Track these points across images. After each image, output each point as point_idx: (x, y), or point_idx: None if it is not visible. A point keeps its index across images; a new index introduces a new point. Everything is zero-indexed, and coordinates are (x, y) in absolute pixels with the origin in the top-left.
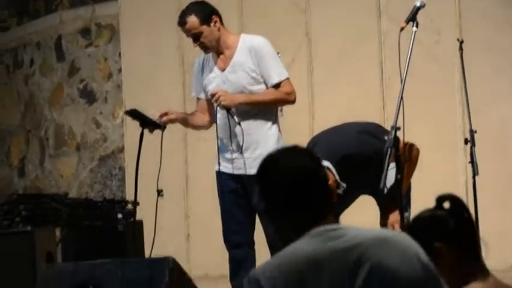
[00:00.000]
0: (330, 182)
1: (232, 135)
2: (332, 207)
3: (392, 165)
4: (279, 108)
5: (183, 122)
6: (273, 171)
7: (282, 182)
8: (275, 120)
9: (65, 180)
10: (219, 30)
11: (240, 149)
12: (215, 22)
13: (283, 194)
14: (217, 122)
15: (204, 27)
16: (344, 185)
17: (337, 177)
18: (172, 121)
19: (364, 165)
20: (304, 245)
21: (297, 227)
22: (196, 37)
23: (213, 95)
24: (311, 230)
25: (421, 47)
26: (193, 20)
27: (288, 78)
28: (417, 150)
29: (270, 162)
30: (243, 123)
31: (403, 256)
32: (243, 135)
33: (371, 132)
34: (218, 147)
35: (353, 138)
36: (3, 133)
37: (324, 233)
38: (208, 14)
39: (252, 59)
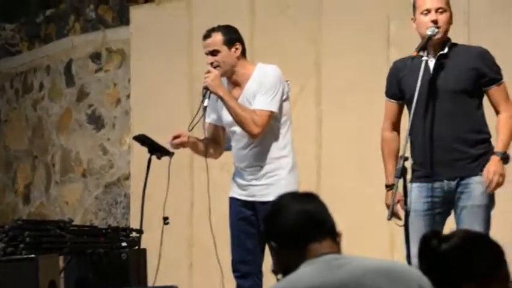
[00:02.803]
0: None
1: (247, 162)
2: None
3: None
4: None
5: (194, 147)
6: (279, 210)
7: (286, 221)
8: (290, 150)
9: (70, 207)
10: (237, 58)
11: (254, 176)
12: (236, 49)
13: (287, 232)
14: (233, 149)
15: (224, 48)
16: None
17: None
18: (183, 145)
19: None
20: (309, 273)
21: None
22: (213, 54)
23: (208, 71)
24: (316, 258)
25: None
26: (218, 37)
27: (268, 112)
28: None
29: (280, 201)
30: (257, 151)
31: (406, 286)
32: (259, 161)
33: None
34: (233, 173)
35: None
36: (10, 158)
37: (329, 261)
38: (234, 39)
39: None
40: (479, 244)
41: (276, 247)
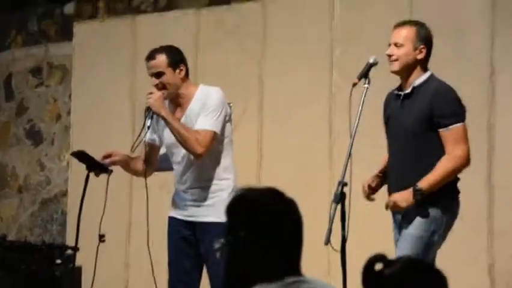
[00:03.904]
0: None
1: (188, 184)
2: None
3: None
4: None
5: (125, 165)
6: (258, 202)
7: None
8: (231, 171)
9: (4, 223)
10: (182, 80)
11: (194, 197)
12: (180, 70)
13: (264, 225)
14: (174, 170)
15: (169, 70)
16: None
17: None
18: (114, 163)
19: None
20: None
21: (266, 265)
22: (158, 76)
23: (150, 93)
24: (283, 279)
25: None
26: (162, 58)
27: (211, 133)
28: None
29: (254, 194)
30: (198, 172)
31: None
32: (200, 183)
33: None
34: (173, 193)
35: None
36: None
37: (291, 286)
38: (178, 61)
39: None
40: (426, 272)
41: (247, 241)
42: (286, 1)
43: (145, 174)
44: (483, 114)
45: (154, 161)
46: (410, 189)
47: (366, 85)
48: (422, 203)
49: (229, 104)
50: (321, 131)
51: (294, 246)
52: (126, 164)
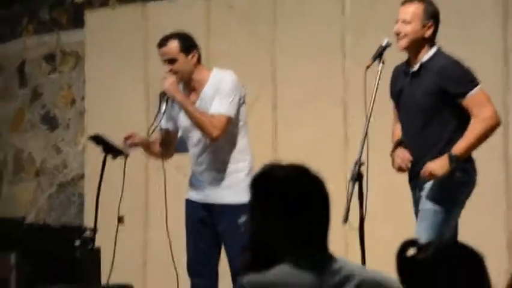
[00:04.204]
0: None
1: (204, 166)
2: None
3: None
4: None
5: (146, 147)
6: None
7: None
8: (248, 154)
9: (23, 207)
10: (194, 65)
11: (211, 179)
12: (193, 56)
13: (289, 197)
14: (190, 153)
15: (181, 55)
16: None
17: None
18: (136, 145)
19: None
20: (300, 275)
21: (293, 235)
22: (170, 62)
23: (165, 78)
24: (307, 256)
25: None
26: (174, 45)
27: (227, 117)
28: None
29: (279, 169)
30: (215, 155)
31: None
32: (217, 165)
33: None
34: (190, 176)
35: None
36: None
37: (320, 264)
38: (191, 46)
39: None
40: (460, 254)
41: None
42: None
43: (162, 157)
44: (497, 92)
45: (171, 146)
46: (445, 156)
47: (380, 66)
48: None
49: (242, 86)
50: (336, 115)
51: (321, 224)
52: (146, 147)
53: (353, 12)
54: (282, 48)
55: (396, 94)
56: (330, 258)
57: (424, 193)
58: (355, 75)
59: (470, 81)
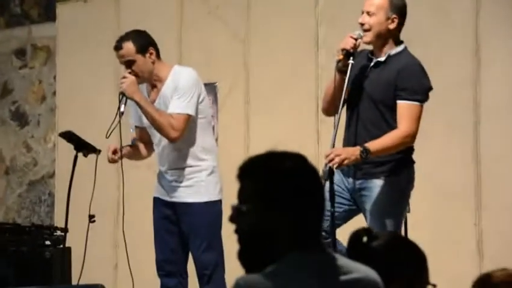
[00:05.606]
0: None
1: (167, 165)
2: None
3: None
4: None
5: (131, 154)
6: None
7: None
8: (210, 152)
9: None
10: (153, 62)
11: (174, 178)
12: (150, 54)
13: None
14: (155, 150)
15: (139, 57)
16: None
17: None
18: (124, 156)
19: None
20: (300, 277)
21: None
22: (129, 64)
23: (124, 77)
24: (308, 256)
25: None
26: (129, 46)
27: (185, 116)
28: None
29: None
30: (175, 154)
31: None
32: (178, 164)
33: None
34: (157, 174)
35: None
36: None
37: (323, 264)
38: (146, 45)
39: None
40: (408, 247)
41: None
42: None
43: (140, 156)
44: (469, 88)
45: (148, 140)
46: (358, 147)
47: (351, 61)
48: (381, 174)
49: (214, 84)
50: (308, 109)
51: (320, 217)
52: (129, 155)
53: (326, 4)
54: (255, 41)
55: (354, 72)
56: (330, 258)
57: (370, 204)
58: (328, 68)
59: (420, 93)
